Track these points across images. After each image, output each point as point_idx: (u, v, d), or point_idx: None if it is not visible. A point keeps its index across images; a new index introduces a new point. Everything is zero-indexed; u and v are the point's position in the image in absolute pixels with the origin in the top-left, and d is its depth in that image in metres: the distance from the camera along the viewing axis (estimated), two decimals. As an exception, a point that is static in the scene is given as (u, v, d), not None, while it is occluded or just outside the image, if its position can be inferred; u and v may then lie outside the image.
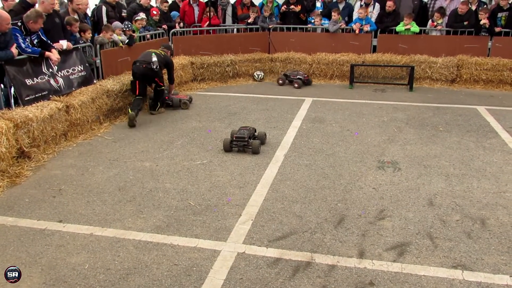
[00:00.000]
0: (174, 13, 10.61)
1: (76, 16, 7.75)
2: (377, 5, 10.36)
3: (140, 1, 9.77)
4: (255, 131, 6.13)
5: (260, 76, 10.26)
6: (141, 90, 7.34)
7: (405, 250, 3.63)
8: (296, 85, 9.57)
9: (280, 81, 9.82)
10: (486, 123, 7.07)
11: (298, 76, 9.74)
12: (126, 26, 8.39)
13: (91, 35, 7.60)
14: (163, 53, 7.68)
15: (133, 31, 8.50)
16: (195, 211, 4.28)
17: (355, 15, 10.52)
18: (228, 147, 5.79)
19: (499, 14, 9.71)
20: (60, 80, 6.48)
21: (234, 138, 5.81)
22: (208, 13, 10.50)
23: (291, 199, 4.50)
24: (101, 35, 7.76)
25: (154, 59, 7.26)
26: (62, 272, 3.38)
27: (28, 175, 5.12)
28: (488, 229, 3.94)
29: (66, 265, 3.46)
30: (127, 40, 8.19)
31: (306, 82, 9.69)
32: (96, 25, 8.55)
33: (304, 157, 5.64)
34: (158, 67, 7.28)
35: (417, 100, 8.54)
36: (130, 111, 6.98)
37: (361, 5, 10.41)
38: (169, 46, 8.53)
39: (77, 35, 7.41)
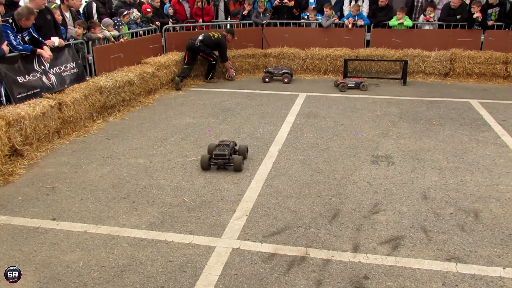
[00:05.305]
0: (166, 5, 10.58)
1: (68, 14, 7.69)
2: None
3: None
4: (235, 145, 5.43)
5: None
6: (189, 60, 9.30)
7: (399, 244, 3.65)
8: (286, 80, 9.56)
9: (267, 79, 9.73)
10: (479, 116, 7.11)
11: (283, 71, 9.69)
12: (117, 22, 8.33)
13: (82, 31, 7.55)
14: (216, 35, 9.29)
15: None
16: (189, 207, 4.28)
17: (345, 10, 10.50)
18: (206, 165, 5.04)
19: (489, 11, 9.73)
20: (52, 77, 6.43)
21: (213, 156, 5.06)
22: (200, 2, 10.45)
23: (285, 194, 4.51)
24: (90, 32, 7.72)
25: (200, 37, 9.14)
26: (56, 270, 3.36)
27: (21, 173, 5.09)
28: (481, 222, 3.97)
29: (60, 263, 3.45)
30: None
31: None
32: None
33: (298, 152, 5.64)
34: (199, 44, 9.10)
35: (410, 94, 8.56)
36: (176, 77, 8.99)
37: (350, 1, 10.40)
38: (231, 30, 9.76)
39: (75, 30, 7.38)
